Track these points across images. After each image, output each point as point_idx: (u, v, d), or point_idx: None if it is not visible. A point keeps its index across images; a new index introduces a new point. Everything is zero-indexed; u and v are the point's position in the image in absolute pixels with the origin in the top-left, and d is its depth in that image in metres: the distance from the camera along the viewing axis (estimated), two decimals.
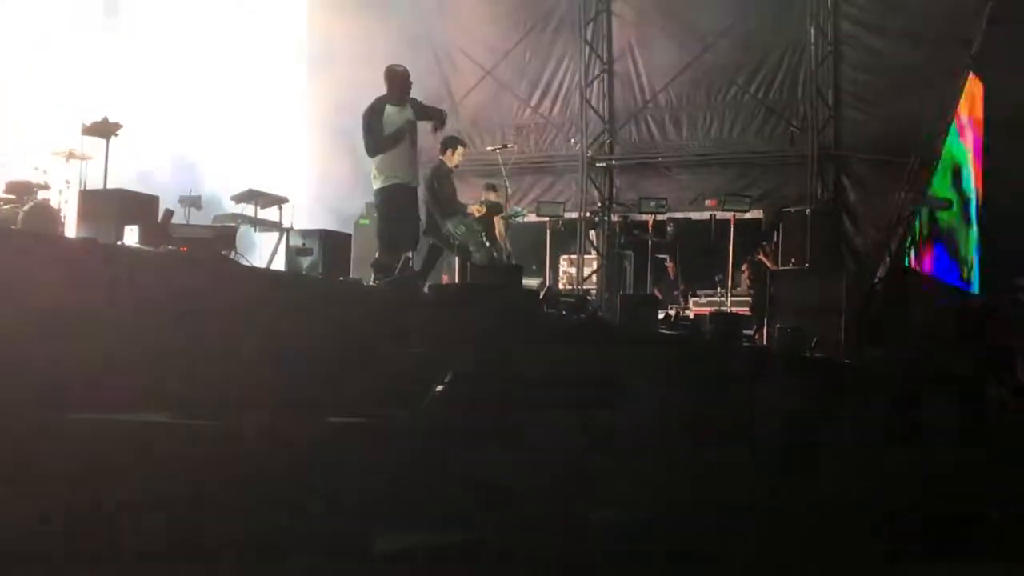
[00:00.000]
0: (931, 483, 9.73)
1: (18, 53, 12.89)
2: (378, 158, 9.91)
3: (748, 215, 15.83)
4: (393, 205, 9.92)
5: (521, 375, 5.57)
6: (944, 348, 13.50)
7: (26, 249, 5.00)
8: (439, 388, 5.25)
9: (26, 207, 10.12)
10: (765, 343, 12.90)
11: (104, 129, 10.65)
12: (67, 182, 11.07)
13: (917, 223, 16.22)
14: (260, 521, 3.58)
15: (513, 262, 12.99)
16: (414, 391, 5.40)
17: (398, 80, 10.06)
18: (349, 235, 9.12)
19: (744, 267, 16.05)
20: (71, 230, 9.05)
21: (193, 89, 13.95)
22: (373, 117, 9.93)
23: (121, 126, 10.77)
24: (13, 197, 10.21)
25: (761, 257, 15.77)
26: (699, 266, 16.99)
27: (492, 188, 13.73)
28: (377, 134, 9.87)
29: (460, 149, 11.45)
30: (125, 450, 3.66)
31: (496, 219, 13.10)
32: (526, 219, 13.83)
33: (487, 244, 11.51)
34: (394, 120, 9.93)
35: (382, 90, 10.11)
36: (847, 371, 11.94)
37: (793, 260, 15.32)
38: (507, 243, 13.38)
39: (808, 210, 15.87)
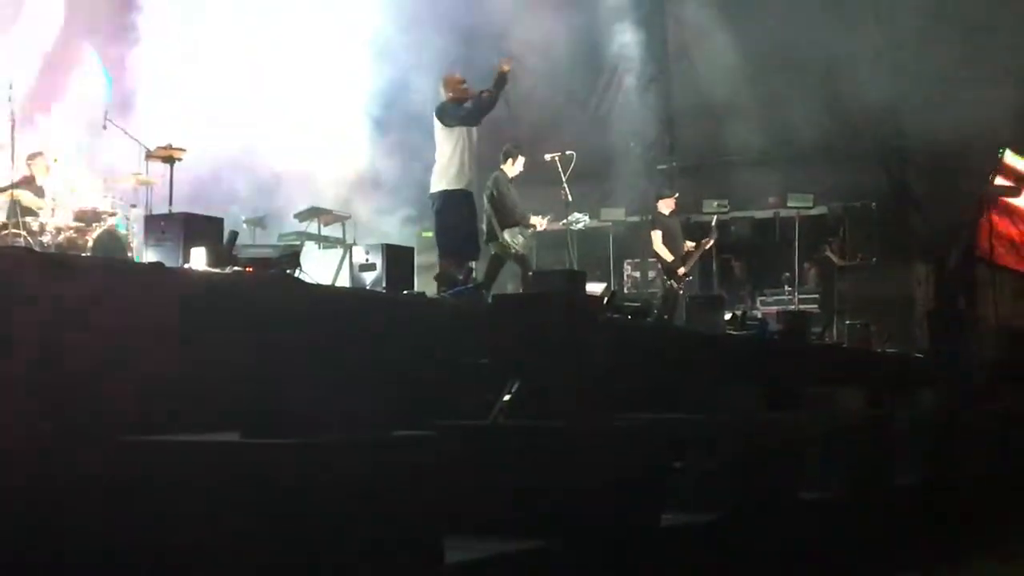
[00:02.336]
0: None
1: None
2: (439, 163, 9.96)
3: (813, 211, 15.67)
4: (452, 212, 9.95)
5: (588, 380, 5.56)
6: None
7: (96, 275, 5.09)
8: (506, 397, 5.26)
9: (95, 233, 10.33)
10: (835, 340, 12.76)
11: (167, 154, 10.84)
12: (132, 207, 11.26)
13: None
14: (332, 541, 3.60)
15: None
16: (481, 401, 5.42)
17: (454, 88, 10.12)
18: (412, 248, 9.13)
19: (808, 264, 15.90)
20: (139, 255, 9.20)
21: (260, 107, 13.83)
22: (448, 105, 10.03)
23: (184, 151, 10.95)
24: (82, 224, 10.42)
25: (828, 253, 15.61)
26: (765, 265, 16.86)
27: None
28: (466, 109, 9.99)
29: (521, 159, 11.41)
30: (197, 471, 3.71)
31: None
32: (588, 225, 13.73)
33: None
34: None
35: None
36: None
37: (860, 255, 15.14)
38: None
39: (874, 204, 15.66)
